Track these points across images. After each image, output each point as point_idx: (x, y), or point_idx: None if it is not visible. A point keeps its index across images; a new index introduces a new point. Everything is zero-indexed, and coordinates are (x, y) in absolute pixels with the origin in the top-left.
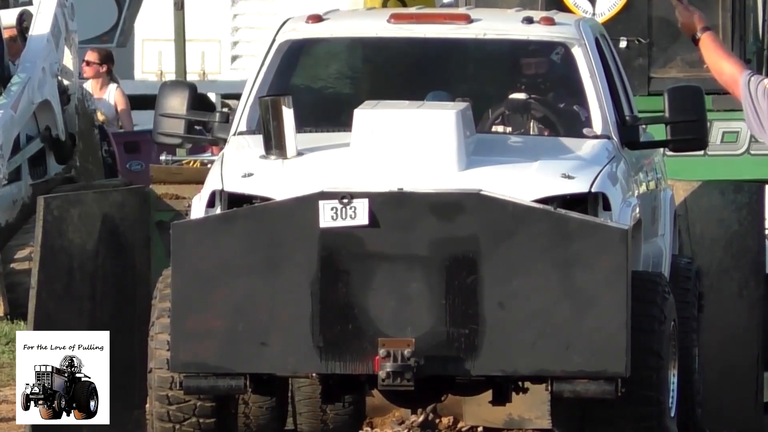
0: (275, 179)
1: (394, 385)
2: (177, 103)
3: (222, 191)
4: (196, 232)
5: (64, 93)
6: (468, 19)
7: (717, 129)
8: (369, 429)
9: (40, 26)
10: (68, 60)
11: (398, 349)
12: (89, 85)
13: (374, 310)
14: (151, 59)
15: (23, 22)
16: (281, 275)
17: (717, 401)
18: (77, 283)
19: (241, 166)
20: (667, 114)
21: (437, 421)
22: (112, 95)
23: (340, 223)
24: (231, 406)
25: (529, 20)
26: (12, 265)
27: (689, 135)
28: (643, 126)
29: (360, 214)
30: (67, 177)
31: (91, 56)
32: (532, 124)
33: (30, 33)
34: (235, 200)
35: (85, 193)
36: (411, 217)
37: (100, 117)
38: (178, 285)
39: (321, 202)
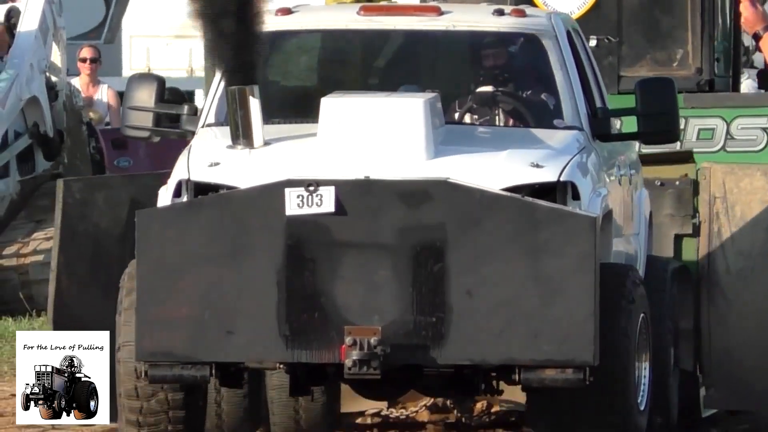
0: (242, 168)
1: (360, 374)
2: (145, 96)
3: (188, 180)
4: (161, 221)
5: (52, 89)
6: (438, 12)
7: (693, 126)
8: (403, 409)
9: (28, 22)
10: (56, 56)
11: (364, 337)
12: (77, 82)
13: (341, 299)
14: (139, 56)
15: (11, 18)
16: (247, 263)
17: (759, 382)
18: (102, 268)
19: (207, 155)
20: (638, 106)
21: (472, 404)
22: (105, 94)
23: (306, 210)
24: (198, 398)
25: (500, 12)
26: (0, 261)
27: (660, 127)
28: (619, 127)
29: (326, 202)
30: (55, 173)
31: (90, 53)
32: (502, 115)
33: (18, 29)
34: (202, 189)
35: (111, 177)
36: (378, 205)
37: (93, 116)
38: (143, 273)
39: (287, 190)
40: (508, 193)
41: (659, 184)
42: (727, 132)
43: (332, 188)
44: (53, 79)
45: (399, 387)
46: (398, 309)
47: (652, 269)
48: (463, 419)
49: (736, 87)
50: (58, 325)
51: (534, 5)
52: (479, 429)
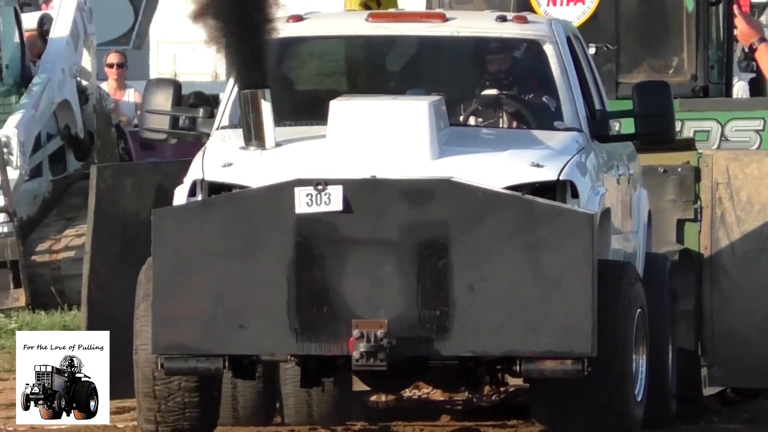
0: (254, 168)
1: (367, 366)
2: (162, 100)
3: (203, 180)
4: (175, 219)
5: (82, 93)
6: (443, 18)
7: (688, 128)
8: (416, 390)
9: (60, 29)
10: (87, 61)
11: (371, 330)
12: (106, 86)
13: (348, 293)
14: (166, 61)
15: (44, 24)
16: (258, 260)
17: (762, 360)
18: (131, 251)
19: (221, 156)
20: (635, 108)
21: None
22: (132, 97)
23: (315, 209)
24: (213, 389)
25: (502, 18)
26: (33, 257)
27: (656, 128)
28: (618, 129)
29: (334, 201)
30: (85, 173)
31: (117, 58)
32: (505, 117)
33: (50, 35)
34: (216, 189)
35: (139, 164)
36: (384, 203)
37: (123, 118)
38: (158, 270)
39: (297, 189)
40: (509, 191)
41: (662, 170)
42: (722, 134)
43: (340, 187)
44: (84, 83)
45: (405, 379)
46: (403, 303)
47: (651, 266)
48: (474, 399)
49: (728, 93)
50: (91, 302)
51: (534, 12)
52: (489, 409)
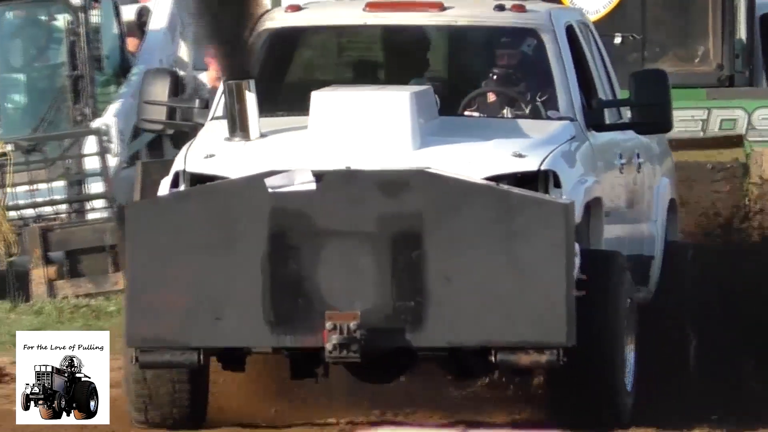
0: (235, 159)
1: (340, 358)
2: (159, 91)
3: (185, 172)
4: (150, 211)
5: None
6: (441, 7)
7: (715, 116)
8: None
9: (158, 20)
10: (183, 52)
11: (344, 322)
12: (203, 77)
13: (323, 285)
14: None
15: (142, 16)
16: (233, 252)
17: None
18: None
19: (205, 147)
20: (631, 97)
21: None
22: None
23: (288, 188)
24: (202, 380)
25: (500, 7)
26: None
27: (653, 117)
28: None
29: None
30: None
31: None
32: (500, 107)
33: (148, 27)
34: (198, 180)
35: None
36: (359, 194)
37: None
38: (133, 263)
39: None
40: (484, 182)
41: (710, 167)
42: (749, 122)
43: (314, 179)
44: (181, 73)
45: (393, 370)
46: (378, 294)
47: (672, 254)
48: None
49: (753, 82)
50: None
51: (560, 3)
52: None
